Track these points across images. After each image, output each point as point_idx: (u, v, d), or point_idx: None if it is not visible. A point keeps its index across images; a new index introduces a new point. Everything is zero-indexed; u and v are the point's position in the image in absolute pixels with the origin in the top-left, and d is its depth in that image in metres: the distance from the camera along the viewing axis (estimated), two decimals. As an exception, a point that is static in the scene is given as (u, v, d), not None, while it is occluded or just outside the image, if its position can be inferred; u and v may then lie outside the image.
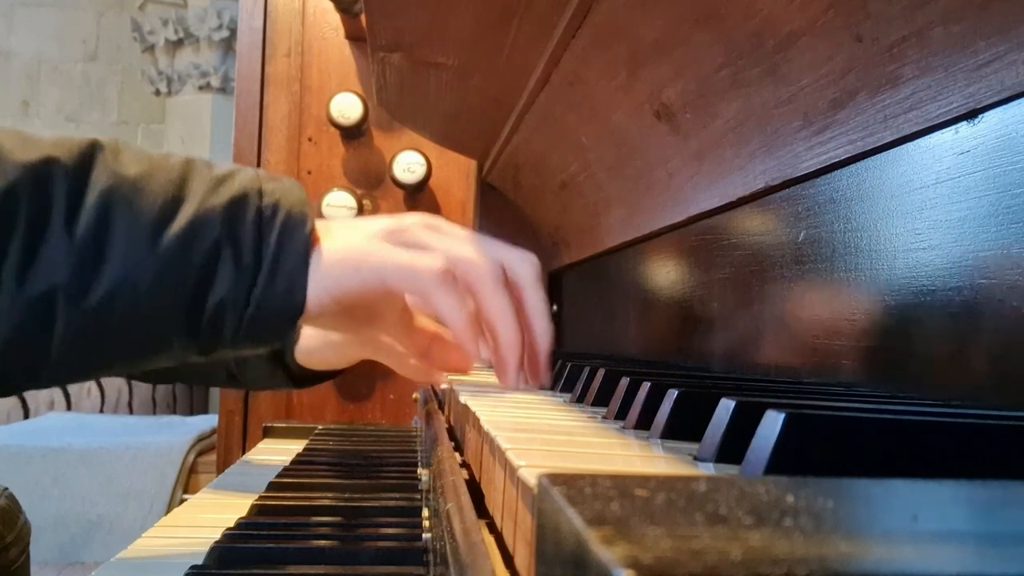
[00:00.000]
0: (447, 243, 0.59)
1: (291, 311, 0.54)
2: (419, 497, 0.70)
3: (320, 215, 1.38)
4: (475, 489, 0.40)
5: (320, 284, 0.54)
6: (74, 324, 0.49)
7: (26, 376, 0.51)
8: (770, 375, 0.60)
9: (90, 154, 0.50)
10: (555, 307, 1.33)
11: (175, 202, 0.51)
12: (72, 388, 3.21)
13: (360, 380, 1.44)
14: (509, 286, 0.59)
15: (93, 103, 4.68)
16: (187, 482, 2.40)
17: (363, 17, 1.05)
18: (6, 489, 1.06)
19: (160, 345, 0.53)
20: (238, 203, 0.53)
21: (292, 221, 0.54)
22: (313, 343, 0.79)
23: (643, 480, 0.17)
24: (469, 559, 0.30)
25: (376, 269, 0.55)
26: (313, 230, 0.54)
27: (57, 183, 0.49)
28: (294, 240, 0.53)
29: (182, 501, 0.80)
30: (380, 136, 1.48)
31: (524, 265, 0.61)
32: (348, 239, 0.56)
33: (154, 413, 3.47)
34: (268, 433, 1.18)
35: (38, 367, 0.50)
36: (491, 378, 0.71)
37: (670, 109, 0.71)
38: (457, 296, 0.56)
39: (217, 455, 1.48)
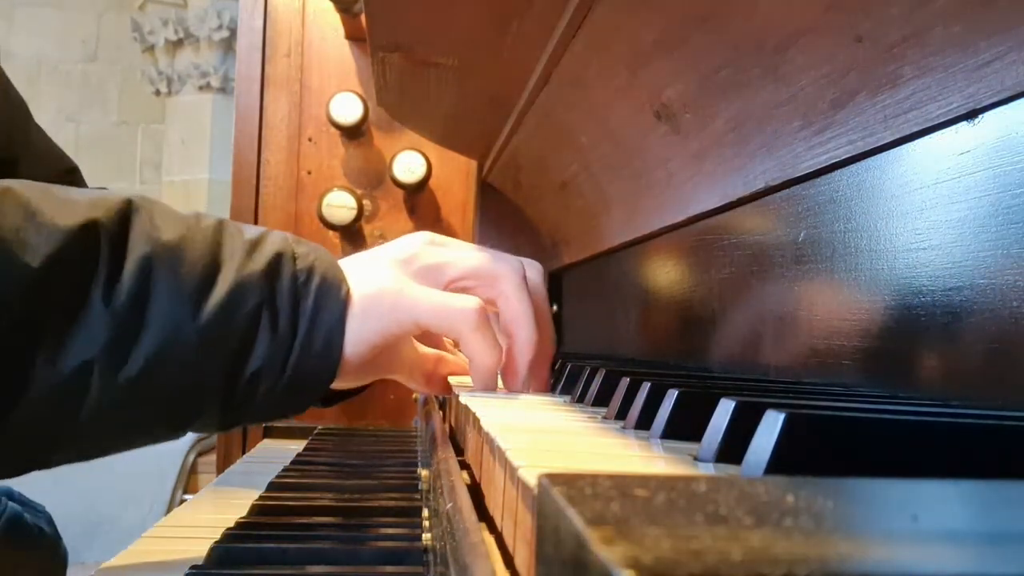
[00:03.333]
0: (459, 255, 0.59)
1: (326, 373, 0.53)
2: (419, 497, 0.70)
3: (321, 217, 1.39)
4: (475, 489, 0.40)
5: (358, 333, 0.54)
6: (108, 397, 0.47)
7: (44, 450, 0.48)
8: (770, 375, 0.60)
9: (127, 216, 0.49)
10: (555, 307, 1.33)
11: (213, 268, 0.50)
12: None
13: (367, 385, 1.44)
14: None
15: (93, 103, 4.69)
16: (187, 482, 2.40)
17: (363, 17, 1.05)
18: (45, 511, 1.05)
19: (191, 416, 0.51)
20: (274, 268, 0.52)
21: (327, 283, 0.53)
22: None
23: (643, 480, 0.17)
24: (469, 559, 0.30)
25: (410, 311, 0.55)
26: (348, 292, 0.54)
27: (102, 249, 0.47)
28: (330, 302, 0.53)
29: (182, 501, 0.80)
30: (380, 136, 1.48)
31: (532, 272, 0.62)
32: (375, 281, 0.56)
33: (154, 413, 3.47)
34: (268, 433, 1.18)
35: (59, 442, 0.48)
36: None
37: (670, 109, 0.71)
38: (491, 338, 0.56)
39: (217, 455, 1.48)
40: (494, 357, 0.56)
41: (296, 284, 0.52)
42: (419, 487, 0.73)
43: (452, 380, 0.68)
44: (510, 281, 0.59)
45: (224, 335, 0.49)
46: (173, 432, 0.53)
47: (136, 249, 0.48)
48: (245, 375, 0.51)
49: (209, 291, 0.49)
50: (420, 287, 0.56)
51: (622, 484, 0.17)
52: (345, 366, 0.54)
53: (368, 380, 0.62)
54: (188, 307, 0.48)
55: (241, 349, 0.50)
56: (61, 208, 0.46)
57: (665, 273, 0.85)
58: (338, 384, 0.57)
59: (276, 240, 0.54)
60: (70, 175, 0.93)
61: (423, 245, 0.60)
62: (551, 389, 0.64)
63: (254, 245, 0.52)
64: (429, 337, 0.79)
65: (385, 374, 0.63)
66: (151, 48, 4.46)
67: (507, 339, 0.60)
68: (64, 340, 0.45)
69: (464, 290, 0.60)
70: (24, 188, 0.46)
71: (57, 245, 0.45)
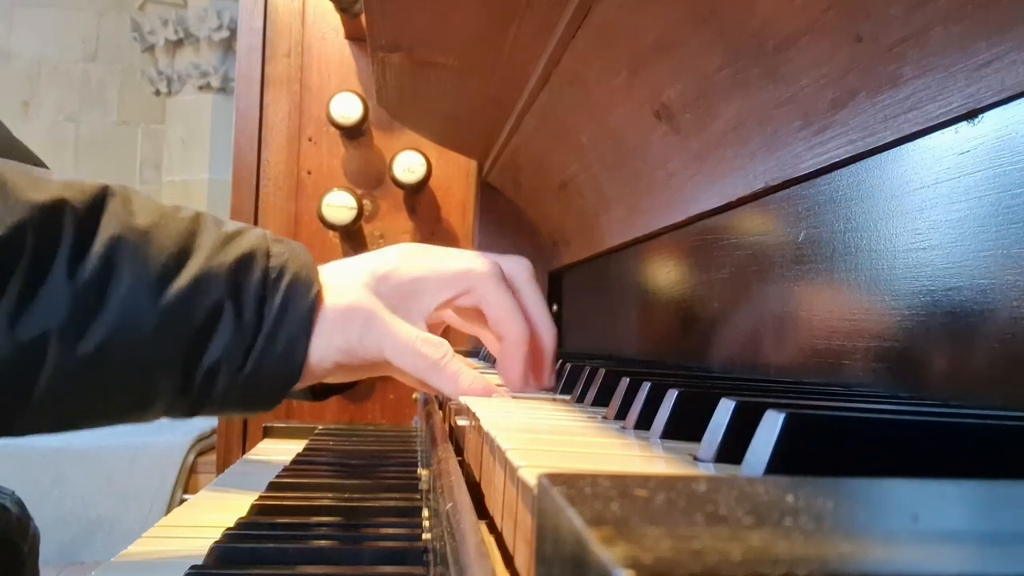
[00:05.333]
0: (440, 261, 0.59)
1: (287, 376, 0.53)
2: (419, 497, 0.70)
3: (321, 217, 1.39)
4: (475, 489, 0.40)
5: (324, 344, 0.54)
6: (64, 369, 0.47)
7: (2, 414, 0.49)
8: (770, 375, 0.60)
9: (101, 200, 0.50)
10: (555, 307, 1.33)
11: (182, 256, 0.50)
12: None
13: (361, 381, 1.44)
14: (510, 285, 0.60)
15: (93, 103, 4.69)
16: (187, 482, 2.40)
17: (363, 17, 1.05)
18: (13, 493, 1.06)
19: (148, 399, 0.51)
20: (244, 262, 0.52)
21: (297, 285, 0.53)
22: None
23: (643, 480, 0.17)
24: (469, 559, 0.30)
25: (378, 344, 0.55)
26: (319, 295, 0.54)
27: (65, 225, 0.48)
28: (298, 304, 0.53)
29: (182, 501, 0.80)
30: (380, 136, 1.48)
31: (518, 267, 0.62)
32: (348, 295, 0.56)
33: (154, 413, 3.47)
34: (268, 433, 1.18)
35: (17, 412, 0.48)
36: (492, 378, 0.71)
37: (670, 109, 0.71)
38: (453, 375, 0.56)
39: (217, 455, 1.48)
40: (459, 390, 0.56)
41: (266, 281, 0.52)
42: (419, 487, 0.73)
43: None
44: (487, 283, 0.58)
45: (183, 322, 0.50)
46: (132, 413, 0.52)
47: (107, 230, 0.49)
48: (203, 365, 0.51)
49: (174, 278, 0.50)
50: (392, 319, 0.56)
51: (622, 484, 0.17)
52: (311, 370, 0.54)
53: (351, 379, 0.62)
54: (150, 291, 0.49)
55: (201, 338, 0.50)
56: (34, 185, 0.48)
57: (665, 273, 0.85)
58: (314, 381, 0.57)
59: (253, 237, 0.54)
60: None
61: (401, 259, 0.59)
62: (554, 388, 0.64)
63: (228, 238, 0.53)
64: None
65: (372, 374, 0.63)
66: (151, 48, 4.46)
67: (498, 341, 0.60)
68: (24, 308, 0.46)
69: (447, 305, 0.60)
70: (2, 165, 0.48)
71: (23, 216, 0.46)
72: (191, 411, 0.53)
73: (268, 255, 0.53)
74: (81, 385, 0.49)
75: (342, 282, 0.57)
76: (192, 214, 0.53)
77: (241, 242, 0.53)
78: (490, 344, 0.74)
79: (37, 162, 0.94)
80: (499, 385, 0.69)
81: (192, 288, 0.50)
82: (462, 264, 0.59)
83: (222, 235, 0.53)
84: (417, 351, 0.56)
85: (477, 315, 0.61)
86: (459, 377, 0.56)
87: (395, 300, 0.57)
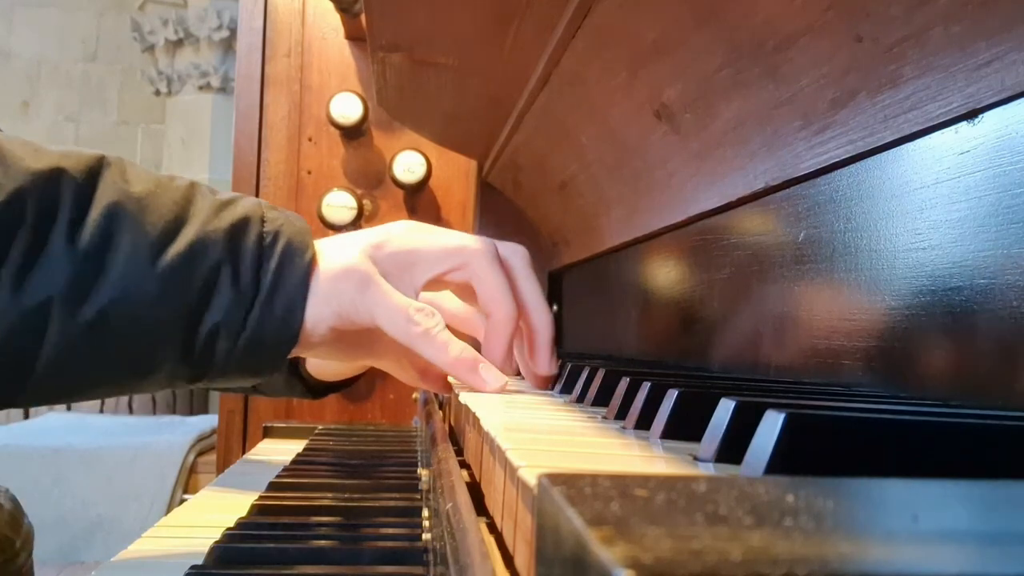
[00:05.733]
0: (430, 241, 0.59)
1: (287, 338, 0.53)
2: (419, 497, 0.70)
3: (321, 217, 1.39)
4: (475, 489, 0.40)
5: (319, 306, 0.54)
6: (66, 336, 0.48)
7: (6, 390, 0.49)
8: (770, 375, 0.60)
9: (97, 168, 0.50)
10: (555, 307, 1.33)
11: (178, 222, 0.51)
12: (72, 388, 3.21)
13: (360, 380, 1.44)
14: (505, 269, 0.60)
15: (93, 103, 4.68)
16: (187, 482, 2.40)
17: (363, 17, 1.05)
18: (7, 491, 1.06)
19: (151, 366, 0.52)
20: (240, 228, 0.53)
21: (292, 248, 0.54)
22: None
23: (643, 480, 0.17)
24: (469, 559, 0.30)
25: (370, 308, 0.55)
26: (314, 258, 0.54)
27: (64, 193, 0.48)
28: (294, 267, 0.53)
29: (182, 501, 0.80)
30: (380, 136, 1.48)
31: (515, 253, 0.62)
32: (342, 259, 0.56)
33: (154, 413, 3.47)
34: (268, 433, 1.18)
35: (22, 380, 0.49)
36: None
37: (670, 109, 0.71)
38: (441, 342, 0.56)
39: (217, 455, 1.48)
40: (448, 358, 0.56)
41: (261, 245, 0.53)
42: (419, 487, 0.73)
43: (452, 379, 0.68)
44: (480, 261, 0.59)
45: (182, 287, 0.50)
46: (136, 381, 0.53)
47: (104, 198, 0.49)
48: (204, 328, 0.51)
49: (171, 243, 0.50)
50: (386, 285, 0.56)
51: (622, 484, 0.17)
52: (307, 334, 0.54)
53: (344, 359, 0.62)
54: (148, 256, 0.49)
55: (200, 302, 0.51)
56: (33, 154, 0.48)
57: (665, 273, 0.85)
58: (310, 349, 0.57)
59: (248, 203, 0.55)
60: None
61: (397, 231, 0.60)
62: (551, 388, 0.64)
63: (224, 205, 0.53)
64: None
65: (365, 358, 0.63)
66: (151, 48, 4.46)
67: (487, 320, 0.60)
68: (26, 276, 0.47)
69: (439, 281, 0.60)
70: (1, 136, 0.49)
71: (22, 183, 0.47)
72: (193, 378, 0.54)
73: (263, 220, 0.54)
74: (84, 352, 0.49)
75: (338, 248, 0.57)
76: (187, 183, 0.54)
77: (236, 208, 0.54)
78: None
79: None
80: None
81: (189, 253, 0.50)
82: (458, 240, 0.60)
83: (217, 202, 0.53)
84: (409, 318, 0.56)
85: (470, 293, 0.61)
86: (448, 346, 0.56)
87: (389, 270, 0.58)
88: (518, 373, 0.75)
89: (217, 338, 0.52)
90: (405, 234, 0.59)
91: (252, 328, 0.52)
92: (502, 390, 0.58)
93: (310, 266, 0.54)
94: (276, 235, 0.54)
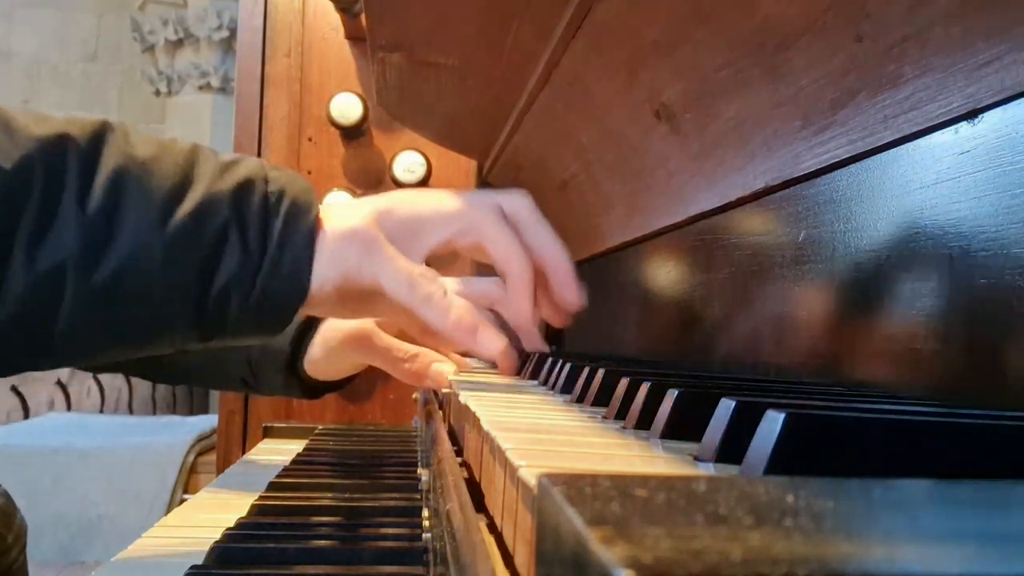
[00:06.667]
0: (435, 208, 0.60)
1: (295, 295, 0.54)
2: (419, 497, 0.70)
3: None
4: (475, 489, 0.40)
5: (325, 266, 0.55)
6: (81, 300, 0.49)
7: (29, 354, 0.51)
8: (770, 375, 0.60)
9: (101, 133, 0.51)
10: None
11: (184, 184, 0.52)
12: (72, 388, 3.22)
13: (360, 380, 1.44)
14: (512, 222, 0.60)
15: (93, 103, 4.68)
16: (187, 482, 2.40)
17: (363, 17, 1.05)
18: (0, 485, 1.06)
19: (165, 326, 0.53)
20: (245, 188, 0.53)
21: (297, 207, 0.54)
22: (316, 353, 0.80)
23: (643, 480, 0.17)
24: (469, 559, 0.30)
25: (377, 270, 0.56)
26: (318, 217, 0.55)
27: (70, 158, 0.49)
28: (299, 225, 0.54)
29: (182, 501, 0.80)
30: (380, 136, 1.48)
31: (518, 203, 0.62)
32: (348, 221, 0.57)
33: (154, 413, 3.47)
34: (268, 433, 1.18)
35: (43, 345, 0.50)
36: (492, 378, 0.71)
37: (670, 109, 0.71)
38: (442, 308, 0.57)
39: (217, 455, 1.48)
40: (449, 322, 0.57)
41: (267, 204, 0.53)
42: (419, 487, 0.73)
43: (452, 378, 0.68)
44: (487, 222, 0.59)
45: (192, 248, 0.51)
46: (151, 341, 0.54)
47: (109, 162, 0.50)
48: (215, 288, 0.52)
49: (177, 205, 0.51)
50: (391, 249, 0.57)
51: (622, 484, 0.17)
52: (313, 295, 0.55)
53: (347, 317, 0.62)
54: (157, 219, 0.50)
55: (209, 262, 0.51)
56: (37, 121, 0.49)
57: (665, 273, 0.85)
58: (317, 309, 0.58)
59: (250, 164, 0.55)
60: None
61: (402, 197, 0.60)
62: (551, 387, 0.64)
63: (227, 166, 0.54)
64: (410, 335, 0.79)
65: (368, 315, 0.63)
66: (151, 48, 4.46)
67: (504, 279, 0.60)
68: (39, 240, 0.48)
69: (449, 244, 0.60)
70: (3, 107, 0.50)
71: (28, 150, 0.47)
72: (205, 337, 0.54)
73: (266, 180, 0.54)
74: (100, 314, 0.50)
75: (344, 211, 0.58)
76: (189, 145, 0.54)
77: (239, 169, 0.54)
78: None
79: None
80: (501, 375, 0.70)
81: (196, 214, 0.51)
82: (462, 204, 0.60)
83: (221, 163, 0.54)
84: (413, 282, 0.56)
85: (481, 254, 0.61)
86: (449, 310, 0.57)
87: (396, 236, 0.58)
88: (518, 373, 0.75)
89: (228, 297, 0.52)
90: (411, 200, 0.60)
91: (261, 286, 0.53)
92: (503, 353, 0.58)
93: (315, 225, 0.54)
94: (280, 194, 0.54)
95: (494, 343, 0.58)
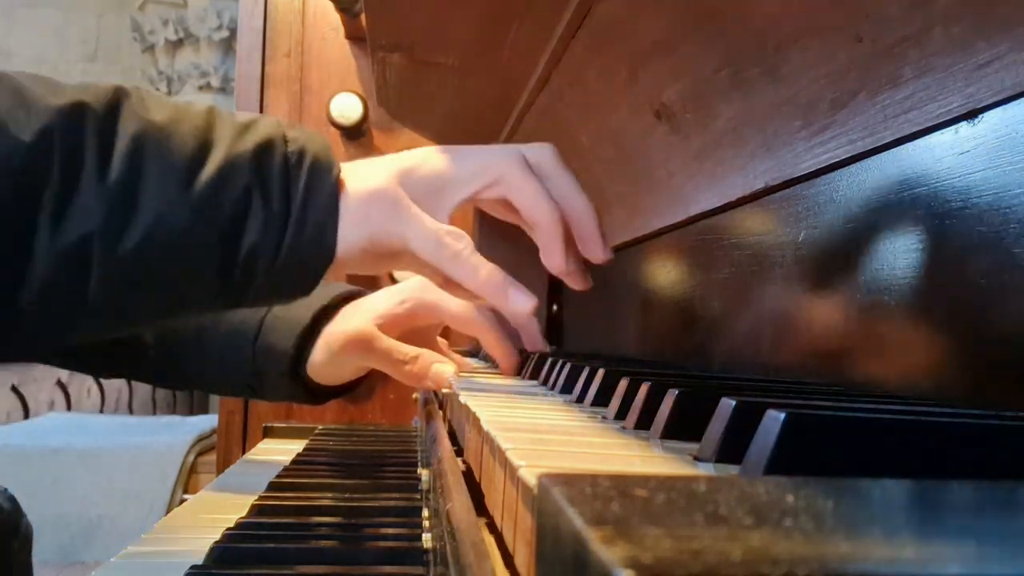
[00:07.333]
0: (464, 156, 0.59)
1: (322, 257, 0.54)
2: (419, 497, 0.70)
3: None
4: (475, 489, 0.40)
5: (349, 228, 0.54)
6: (110, 270, 0.48)
7: (61, 327, 0.50)
8: (770, 375, 0.60)
9: (116, 100, 0.50)
10: (555, 307, 1.33)
11: (204, 147, 0.51)
12: (72, 388, 3.22)
13: (359, 382, 1.44)
14: (536, 173, 0.59)
15: (93, 103, 4.68)
16: (187, 482, 2.40)
17: (363, 17, 1.05)
18: (6, 490, 1.06)
19: (192, 292, 0.52)
20: (265, 149, 0.52)
21: (319, 167, 0.54)
22: (319, 357, 0.80)
23: (643, 480, 0.17)
24: (469, 559, 0.30)
25: (402, 231, 0.55)
26: (339, 176, 0.54)
27: (88, 128, 0.48)
28: (322, 185, 0.53)
29: (182, 501, 0.80)
30: (380, 136, 1.48)
31: (542, 154, 0.61)
32: (372, 180, 0.56)
33: (154, 413, 3.47)
34: (268, 433, 1.18)
35: (74, 316, 0.50)
36: (492, 378, 0.71)
37: (670, 109, 0.71)
38: (471, 267, 0.56)
39: (217, 455, 1.48)
40: (478, 280, 0.56)
41: (288, 164, 0.53)
42: (419, 487, 0.73)
43: (452, 378, 0.68)
44: (512, 174, 0.58)
45: (216, 212, 0.50)
46: (181, 308, 0.54)
47: (127, 129, 0.49)
48: (242, 252, 0.51)
49: (199, 170, 0.50)
50: (416, 208, 0.56)
51: (622, 484, 0.17)
52: (339, 257, 0.54)
53: (373, 271, 0.62)
54: (179, 185, 0.50)
55: (234, 226, 0.51)
56: (52, 91, 0.49)
57: (665, 273, 0.85)
58: (344, 270, 0.57)
59: (268, 123, 0.54)
60: None
61: (425, 155, 0.59)
62: (551, 387, 0.64)
63: (245, 127, 0.53)
64: (416, 336, 0.79)
65: (394, 268, 0.63)
66: (151, 48, 4.46)
67: (532, 229, 0.60)
68: (63, 213, 0.47)
69: (474, 200, 0.59)
70: (16, 74, 0.49)
71: (46, 121, 0.47)
72: (233, 302, 0.54)
73: (286, 140, 0.54)
74: (128, 283, 0.50)
75: (367, 171, 0.57)
76: (205, 107, 0.54)
77: (258, 129, 0.53)
78: (490, 346, 0.74)
79: None
80: (501, 375, 0.70)
81: (218, 178, 0.50)
82: (485, 158, 0.59)
83: (238, 124, 0.53)
84: (441, 240, 0.56)
85: (508, 208, 0.61)
86: (479, 269, 0.56)
87: (419, 195, 0.57)
88: (518, 373, 0.75)
89: (255, 260, 0.52)
90: (433, 158, 0.59)
91: (287, 249, 0.52)
92: (534, 311, 0.58)
93: (337, 184, 0.54)
94: (301, 153, 0.53)
95: (526, 301, 0.57)
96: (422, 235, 0.56)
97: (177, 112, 0.52)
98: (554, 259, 0.59)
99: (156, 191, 0.49)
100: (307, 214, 0.53)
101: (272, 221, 0.52)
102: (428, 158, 0.59)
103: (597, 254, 0.61)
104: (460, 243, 0.56)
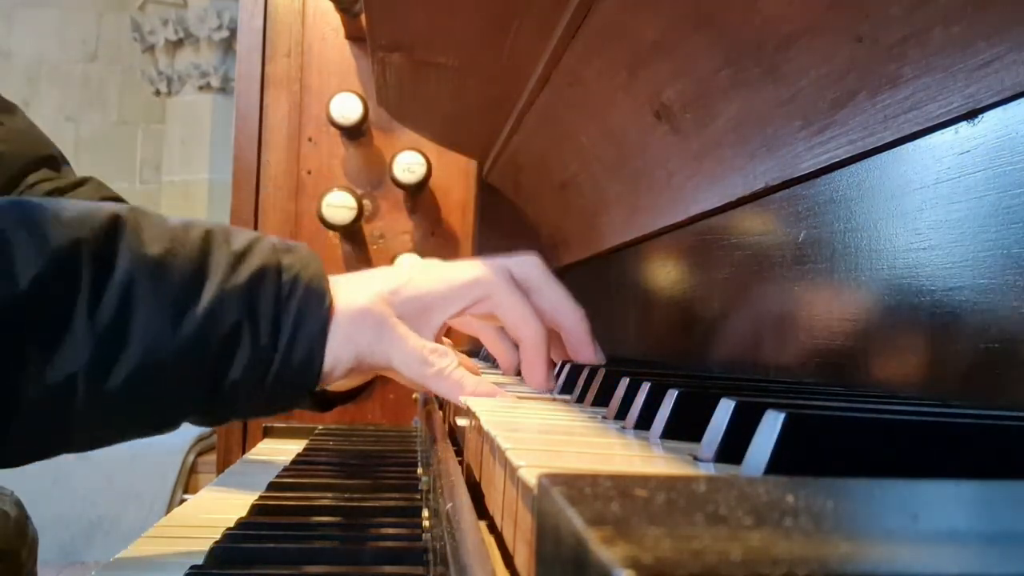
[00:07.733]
0: (450, 274, 0.60)
1: (307, 381, 0.55)
2: (419, 497, 0.70)
3: (321, 217, 1.39)
4: (475, 489, 0.40)
5: (336, 350, 0.55)
6: (94, 405, 0.50)
7: (46, 449, 0.52)
8: (770, 375, 0.60)
9: (114, 234, 0.51)
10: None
11: (197, 281, 0.52)
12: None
13: (363, 389, 1.44)
14: (522, 290, 0.60)
15: (93, 103, 4.69)
16: (187, 482, 2.40)
17: (363, 17, 1.05)
18: (12, 494, 1.06)
19: (175, 418, 0.54)
20: (257, 281, 0.53)
21: (310, 296, 0.54)
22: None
23: (643, 480, 0.17)
24: (469, 559, 0.30)
25: (387, 352, 0.57)
26: (331, 304, 0.55)
27: (83, 268, 0.49)
28: (313, 318, 0.54)
29: (182, 501, 0.80)
30: (380, 136, 1.48)
31: (528, 266, 0.62)
32: (360, 300, 0.57)
33: (154, 413, 3.46)
34: (268, 433, 1.18)
35: (57, 440, 0.52)
36: (492, 378, 0.71)
37: (670, 109, 0.71)
38: (455, 382, 0.57)
39: (217, 455, 1.48)
40: (463, 395, 0.57)
41: (279, 297, 0.54)
42: (419, 487, 0.73)
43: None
44: (497, 291, 0.59)
45: (203, 348, 0.51)
46: (162, 430, 0.56)
47: (120, 266, 0.50)
48: (226, 385, 0.53)
49: (190, 306, 0.51)
50: (402, 327, 0.57)
51: (622, 484, 0.17)
52: (325, 377, 0.56)
53: (358, 381, 0.63)
54: (169, 321, 0.50)
55: (220, 362, 0.52)
56: (51, 228, 0.49)
57: (665, 273, 0.85)
58: (326, 385, 0.59)
59: (263, 252, 0.55)
60: (47, 161, 0.94)
61: (411, 274, 0.60)
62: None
63: (239, 258, 0.54)
64: None
65: (375, 373, 0.63)
66: (151, 48, 4.46)
67: (517, 345, 0.61)
68: (50, 355, 0.48)
69: (460, 316, 0.60)
70: (13, 203, 0.49)
71: (43, 268, 0.47)
72: (216, 423, 0.57)
73: (279, 270, 0.54)
74: (111, 417, 0.51)
75: (354, 289, 0.58)
76: (202, 233, 0.54)
77: (252, 260, 0.54)
78: (490, 344, 0.74)
79: (48, 151, 0.95)
80: (501, 375, 0.70)
81: (209, 314, 0.51)
82: (471, 274, 0.60)
83: (233, 254, 0.54)
84: (424, 359, 0.57)
85: (494, 319, 0.62)
86: (462, 384, 0.57)
87: (406, 314, 0.58)
88: (518, 373, 0.75)
89: (239, 391, 0.53)
90: (418, 277, 0.60)
91: (272, 380, 0.54)
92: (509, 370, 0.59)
93: (328, 314, 0.55)
94: (293, 285, 0.54)
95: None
96: (406, 355, 0.57)
97: (173, 241, 0.52)
98: (536, 377, 0.60)
99: (145, 329, 0.50)
100: (294, 346, 0.54)
101: (259, 355, 0.53)
102: (415, 277, 0.60)
103: (588, 359, 0.63)
104: (444, 360, 0.57)
